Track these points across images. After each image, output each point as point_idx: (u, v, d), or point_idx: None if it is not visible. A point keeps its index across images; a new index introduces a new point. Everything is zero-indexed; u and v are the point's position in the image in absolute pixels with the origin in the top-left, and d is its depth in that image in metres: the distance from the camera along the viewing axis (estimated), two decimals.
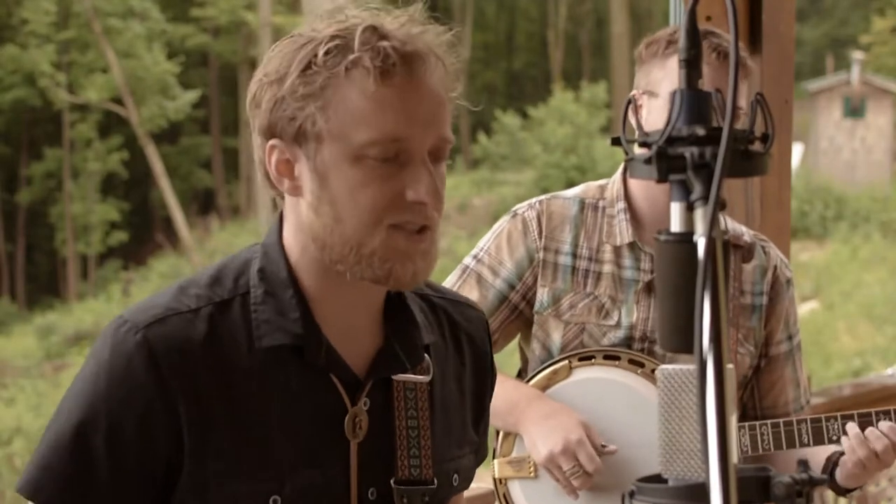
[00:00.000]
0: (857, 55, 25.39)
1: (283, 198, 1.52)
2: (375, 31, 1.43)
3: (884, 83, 25.12)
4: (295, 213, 1.50)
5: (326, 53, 1.42)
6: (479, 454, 1.74)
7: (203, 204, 33.25)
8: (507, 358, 2.68)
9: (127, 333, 1.45)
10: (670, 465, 1.17)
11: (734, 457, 1.01)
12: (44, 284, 30.25)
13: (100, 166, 29.06)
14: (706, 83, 2.20)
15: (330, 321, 1.51)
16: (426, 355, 1.59)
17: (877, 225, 21.40)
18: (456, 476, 1.64)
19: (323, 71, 1.41)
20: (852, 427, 2.31)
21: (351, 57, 1.41)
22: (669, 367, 1.17)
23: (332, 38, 1.43)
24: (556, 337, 2.36)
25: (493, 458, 2.36)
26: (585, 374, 2.32)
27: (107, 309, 22.20)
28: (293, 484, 1.48)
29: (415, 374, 1.57)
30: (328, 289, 1.51)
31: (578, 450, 2.21)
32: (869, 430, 2.30)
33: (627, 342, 2.34)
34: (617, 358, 2.32)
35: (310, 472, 1.49)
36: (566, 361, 2.33)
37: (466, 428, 1.68)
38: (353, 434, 1.51)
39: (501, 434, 2.36)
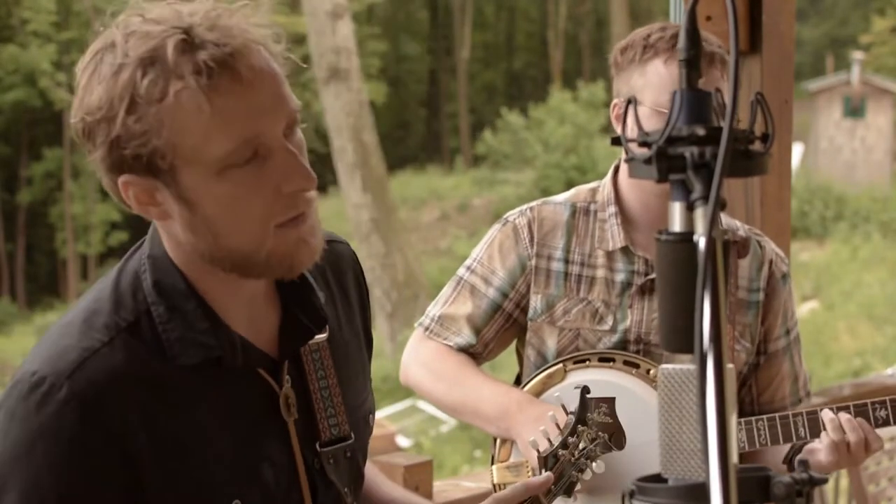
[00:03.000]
0: (857, 55, 25.38)
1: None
2: (188, 44, 1.35)
3: (884, 83, 25.11)
4: (170, 233, 1.46)
5: (148, 84, 1.34)
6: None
7: None
8: (506, 358, 2.68)
9: (50, 393, 1.37)
10: (670, 465, 1.17)
11: (734, 457, 1.01)
12: (44, 284, 30.25)
13: None
14: (663, 80, 2.19)
15: (234, 315, 1.49)
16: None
17: (877, 225, 21.39)
18: (371, 416, 1.70)
19: (151, 105, 1.34)
20: (827, 413, 2.30)
21: (176, 86, 1.33)
22: (670, 366, 1.17)
23: (145, 61, 1.34)
24: (551, 343, 2.36)
25: (492, 463, 2.36)
26: (580, 377, 2.31)
27: None
28: (252, 489, 1.49)
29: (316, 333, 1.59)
30: (225, 289, 1.48)
31: None
32: (846, 418, 2.28)
33: (623, 345, 2.33)
34: (612, 360, 2.31)
35: (259, 467, 1.50)
36: (560, 365, 2.33)
37: (366, 366, 1.72)
38: (288, 413, 1.54)
39: (499, 440, 2.35)
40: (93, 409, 1.37)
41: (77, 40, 28.87)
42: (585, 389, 2.08)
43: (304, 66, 1.55)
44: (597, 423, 2.06)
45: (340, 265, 1.71)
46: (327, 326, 1.61)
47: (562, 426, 2.07)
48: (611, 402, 2.10)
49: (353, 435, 1.63)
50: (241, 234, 1.40)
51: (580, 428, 2.05)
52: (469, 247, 2.39)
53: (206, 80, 1.33)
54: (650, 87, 2.20)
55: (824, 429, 2.29)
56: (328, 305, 1.62)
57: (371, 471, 1.84)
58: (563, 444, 2.04)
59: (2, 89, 29.19)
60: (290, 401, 1.54)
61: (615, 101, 2.28)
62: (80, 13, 28.32)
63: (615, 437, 2.08)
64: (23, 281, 30.25)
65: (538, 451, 2.04)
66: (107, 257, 29.23)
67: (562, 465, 2.03)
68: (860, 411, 2.31)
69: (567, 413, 2.09)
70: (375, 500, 1.85)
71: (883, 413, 2.32)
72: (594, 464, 2.05)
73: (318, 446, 1.58)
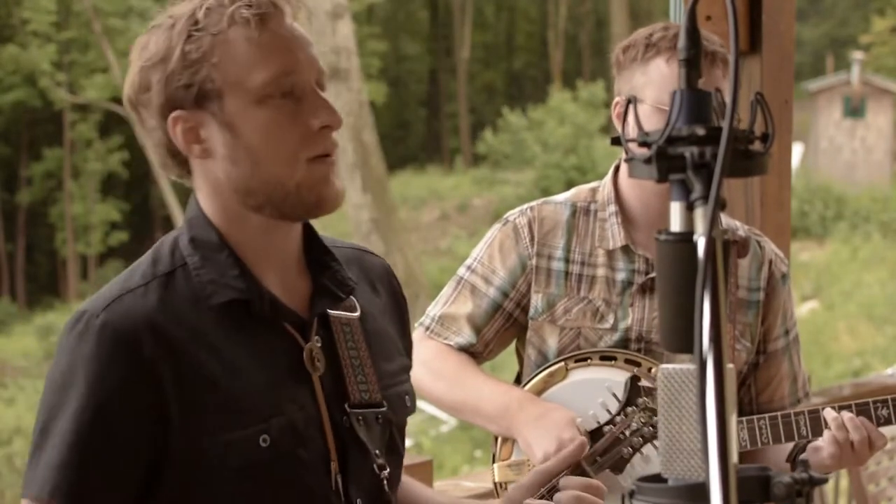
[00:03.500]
0: (857, 55, 25.38)
1: (189, 173, 1.62)
2: None
3: (884, 83, 25.11)
4: (208, 178, 1.60)
5: (205, 16, 1.55)
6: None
7: None
8: (506, 358, 2.68)
9: (88, 322, 1.52)
10: (670, 465, 1.17)
11: (734, 457, 1.01)
12: (44, 284, 30.24)
13: (100, 166, 29.06)
14: (665, 79, 2.19)
15: (266, 274, 1.62)
16: (350, 296, 1.72)
17: (877, 225, 21.40)
18: (408, 398, 1.79)
19: (206, 34, 1.54)
20: (830, 412, 2.30)
21: (228, 12, 1.54)
22: (670, 366, 1.17)
23: (202, 4, 1.56)
24: (552, 342, 2.36)
25: (493, 462, 2.36)
26: (582, 375, 2.31)
27: None
28: (278, 420, 1.57)
29: (346, 310, 1.71)
30: (257, 244, 1.62)
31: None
32: (848, 417, 2.28)
33: (624, 344, 2.33)
34: (613, 358, 2.31)
35: (289, 407, 1.59)
36: (562, 363, 2.33)
37: (402, 356, 1.83)
38: (313, 368, 1.63)
39: (500, 438, 2.35)
40: (126, 336, 1.51)
41: (77, 40, 28.89)
42: (635, 378, 2.15)
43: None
44: (649, 409, 2.11)
45: (374, 269, 1.84)
46: (358, 308, 1.73)
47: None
48: None
49: (384, 404, 1.71)
50: (276, 162, 1.55)
51: (629, 409, 2.12)
52: (469, 247, 2.39)
53: (258, 13, 1.54)
54: (652, 84, 2.21)
55: (827, 427, 2.29)
56: (358, 294, 1.74)
57: (409, 480, 1.93)
58: (610, 421, 2.13)
59: (2, 89, 29.18)
60: (316, 356, 1.64)
61: (616, 99, 2.28)
62: (80, 13, 28.32)
63: None
64: (23, 281, 30.25)
65: (583, 428, 2.16)
66: (107, 257, 29.23)
67: (609, 440, 2.13)
68: (862, 410, 2.30)
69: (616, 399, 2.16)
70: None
71: (885, 412, 2.32)
72: (651, 446, 2.10)
73: (346, 406, 1.66)
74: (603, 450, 2.11)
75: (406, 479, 1.90)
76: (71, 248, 28.74)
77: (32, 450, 1.53)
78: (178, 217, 26.99)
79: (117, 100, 27.81)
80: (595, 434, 2.13)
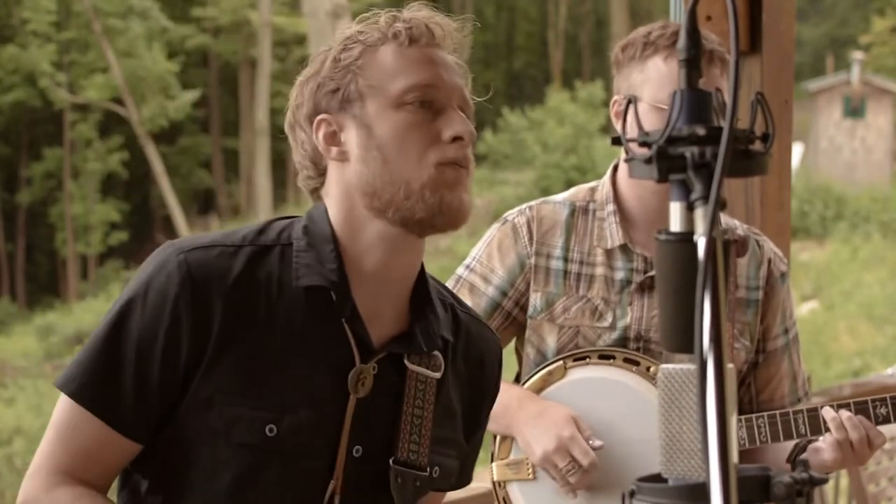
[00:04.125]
0: (857, 55, 25.38)
1: (321, 186, 1.66)
2: (396, 16, 1.65)
3: (884, 83, 25.11)
4: (340, 182, 1.63)
5: (360, 32, 1.64)
6: (464, 469, 1.83)
7: (203, 204, 33.25)
8: (504, 357, 2.68)
9: (171, 253, 1.59)
10: (670, 465, 1.17)
11: (734, 456, 1.01)
12: (44, 284, 30.26)
13: (100, 166, 29.08)
14: (663, 77, 2.18)
15: (361, 288, 1.63)
16: (439, 354, 1.70)
17: (877, 225, 21.39)
18: (437, 469, 1.73)
19: (359, 44, 1.62)
20: (829, 411, 2.30)
21: (382, 29, 1.63)
22: (670, 366, 1.17)
23: (360, 23, 1.65)
24: (551, 341, 2.36)
25: (492, 461, 2.36)
26: (581, 374, 2.32)
27: (107, 309, 22.16)
28: (291, 418, 1.58)
29: (429, 368, 1.68)
30: (368, 255, 1.62)
31: (572, 446, 2.21)
32: (847, 416, 2.28)
33: (623, 343, 2.33)
34: (612, 357, 2.31)
35: (308, 412, 1.59)
36: (561, 362, 2.33)
37: (458, 432, 1.78)
38: (355, 389, 1.62)
39: (498, 437, 2.35)
40: (194, 281, 1.56)
41: (77, 40, 28.90)
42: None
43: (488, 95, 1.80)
44: None
45: (480, 341, 1.81)
46: (442, 370, 1.70)
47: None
48: None
49: (428, 470, 1.69)
50: (405, 162, 1.58)
51: None
52: (469, 246, 2.39)
53: (410, 31, 1.63)
54: (649, 82, 2.21)
55: (826, 428, 2.29)
56: (450, 356, 1.73)
57: None
58: None
59: (2, 89, 29.19)
60: (364, 379, 1.62)
61: (615, 98, 2.29)
62: (80, 13, 28.33)
63: None
64: (23, 281, 30.27)
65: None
66: (106, 257, 29.25)
67: None
68: (860, 409, 2.30)
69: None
70: None
71: (883, 410, 2.31)
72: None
73: (391, 461, 1.65)
74: None
75: None
76: (71, 248, 28.75)
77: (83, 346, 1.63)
78: (179, 217, 27.01)
79: (117, 100, 27.91)
80: None
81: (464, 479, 1.85)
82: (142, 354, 1.57)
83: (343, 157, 1.62)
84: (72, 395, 1.58)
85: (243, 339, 1.57)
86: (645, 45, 2.23)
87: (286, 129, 1.69)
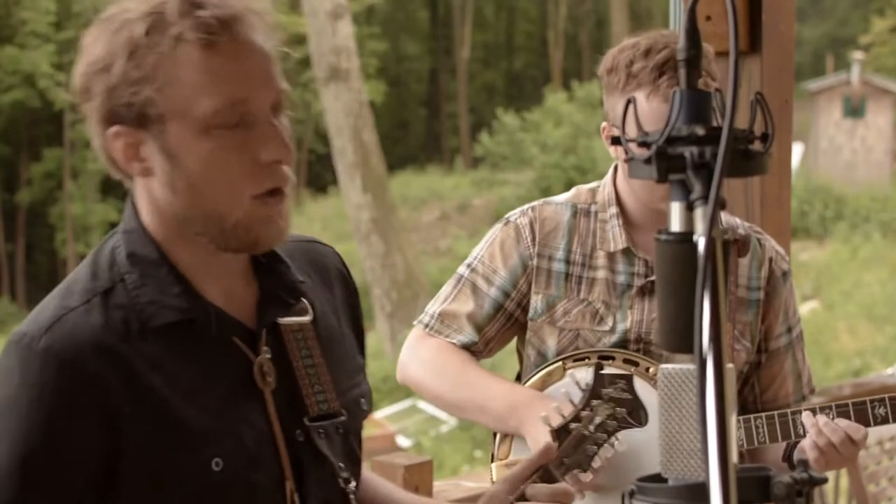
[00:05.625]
0: (857, 55, 25.38)
1: (131, 179, 1.53)
2: (190, 3, 1.44)
3: (884, 83, 25.12)
4: (148, 193, 1.51)
5: (147, 33, 1.42)
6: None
7: None
8: (506, 358, 2.68)
9: (29, 346, 1.44)
10: (670, 465, 1.17)
11: (734, 456, 1.01)
12: (44, 284, 30.15)
13: (100, 166, 28.70)
14: (644, 114, 2.16)
15: (209, 287, 1.54)
16: (302, 298, 1.63)
17: (877, 225, 21.40)
18: (363, 401, 1.70)
19: (149, 52, 1.42)
20: (808, 417, 2.29)
21: (172, 32, 1.42)
22: (670, 366, 1.17)
23: (147, 15, 1.43)
24: (551, 343, 2.36)
25: (492, 461, 2.36)
26: (580, 375, 2.31)
27: None
28: (230, 442, 1.51)
29: (298, 315, 1.62)
30: (199, 258, 1.53)
31: None
32: (823, 422, 2.27)
33: (623, 346, 2.33)
34: (611, 358, 2.31)
35: (238, 428, 1.52)
36: (560, 363, 2.33)
37: (355, 355, 1.74)
38: (264, 383, 1.56)
39: (499, 437, 2.35)
40: (70, 362, 1.43)
41: (77, 40, 28.82)
42: (599, 367, 2.05)
43: (290, 52, 1.58)
44: (613, 399, 2.00)
45: (323, 262, 1.74)
46: (311, 309, 1.64)
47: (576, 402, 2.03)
48: (628, 378, 2.03)
49: (344, 412, 1.63)
50: (217, 196, 1.46)
51: (594, 402, 1.99)
52: (469, 247, 2.39)
53: (205, 36, 1.42)
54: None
55: (805, 432, 2.30)
56: (309, 293, 1.65)
57: (375, 477, 1.86)
58: (576, 418, 2.00)
59: (1, 90, 29.18)
60: (266, 370, 1.56)
61: (603, 124, 2.30)
62: (80, 13, 28.31)
63: (634, 413, 2.02)
64: (23, 281, 30.25)
65: (550, 426, 2.01)
66: None
67: (575, 439, 1.99)
68: (859, 410, 2.31)
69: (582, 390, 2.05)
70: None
71: (882, 411, 2.31)
72: (615, 440, 2.00)
73: (306, 420, 1.58)
74: (569, 450, 1.97)
75: (367, 476, 1.81)
76: (71, 249, 28.73)
77: None
78: None
79: None
80: (560, 433, 2.00)
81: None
82: (55, 469, 1.43)
83: (148, 173, 1.49)
84: None
85: (142, 393, 1.46)
86: (628, 76, 2.19)
87: (75, 92, 1.50)
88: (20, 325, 1.49)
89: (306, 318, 1.63)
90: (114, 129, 1.46)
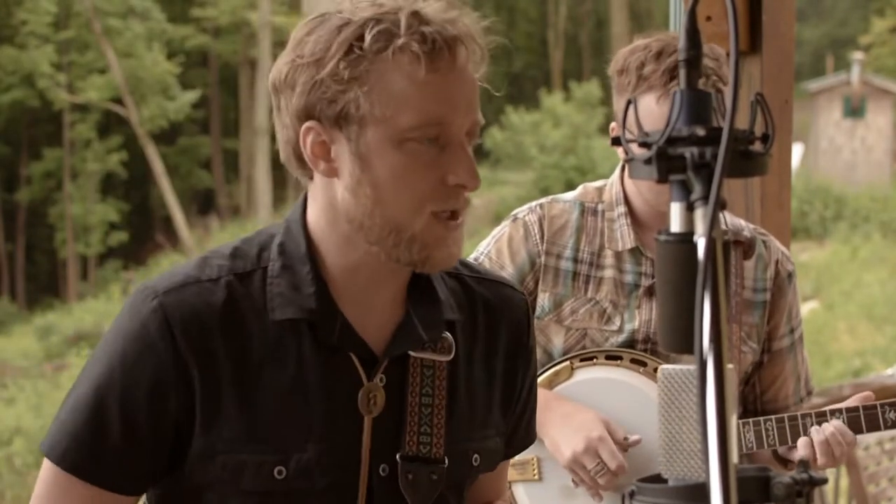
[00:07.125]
0: (857, 55, 25.39)
1: (311, 178, 1.53)
2: (418, 16, 1.44)
3: (884, 83, 25.12)
4: (326, 193, 1.51)
5: (373, 36, 1.43)
6: (514, 440, 1.74)
7: (203, 204, 33.23)
8: None
9: (145, 300, 1.49)
10: (670, 465, 1.17)
11: (734, 457, 1.01)
12: (44, 284, 30.24)
13: (99, 166, 29.05)
14: (654, 117, 2.16)
15: (348, 297, 1.53)
16: (449, 335, 1.59)
17: (877, 225, 21.39)
18: (476, 457, 1.63)
19: (368, 55, 1.43)
20: (817, 434, 2.30)
21: (398, 42, 1.43)
22: (670, 366, 1.17)
23: (376, 21, 1.44)
24: (558, 342, 2.35)
25: None
26: (587, 375, 2.31)
27: (107, 309, 22.18)
28: (299, 457, 1.50)
29: (435, 352, 1.58)
30: (352, 267, 1.52)
31: (601, 447, 2.20)
32: (830, 433, 2.28)
33: (630, 345, 2.33)
34: (619, 358, 2.31)
35: (317, 447, 1.51)
36: (567, 363, 2.33)
37: (492, 410, 1.66)
38: (367, 409, 1.53)
39: None
40: (173, 327, 1.47)
41: (76, 40, 28.87)
42: None
43: (491, 90, 1.59)
44: None
45: (501, 306, 1.68)
46: (453, 351, 1.59)
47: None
48: None
49: (446, 461, 1.58)
50: (399, 207, 1.46)
51: None
52: (470, 247, 2.37)
53: (429, 50, 1.43)
54: (642, 121, 2.20)
55: (812, 448, 2.30)
56: (465, 333, 1.62)
57: None
58: None
59: (1, 90, 29.18)
60: (374, 397, 1.53)
61: (612, 125, 2.30)
62: (80, 13, 28.32)
63: None
64: (22, 281, 30.24)
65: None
66: (106, 257, 29.22)
67: None
68: (869, 413, 2.32)
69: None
70: None
71: (893, 415, 2.32)
72: None
73: (397, 456, 1.55)
74: None
75: None
76: (70, 249, 28.73)
77: (62, 404, 1.53)
78: (178, 217, 27.01)
79: (117, 100, 27.89)
80: None
81: (527, 440, 1.77)
82: (127, 415, 1.48)
83: (332, 174, 1.49)
84: (58, 463, 1.49)
85: (235, 380, 1.48)
86: (639, 79, 2.19)
87: (269, 87, 1.53)
88: (152, 278, 1.55)
89: (443, 358, 1.59)
90: (309, 123, 1.47)
